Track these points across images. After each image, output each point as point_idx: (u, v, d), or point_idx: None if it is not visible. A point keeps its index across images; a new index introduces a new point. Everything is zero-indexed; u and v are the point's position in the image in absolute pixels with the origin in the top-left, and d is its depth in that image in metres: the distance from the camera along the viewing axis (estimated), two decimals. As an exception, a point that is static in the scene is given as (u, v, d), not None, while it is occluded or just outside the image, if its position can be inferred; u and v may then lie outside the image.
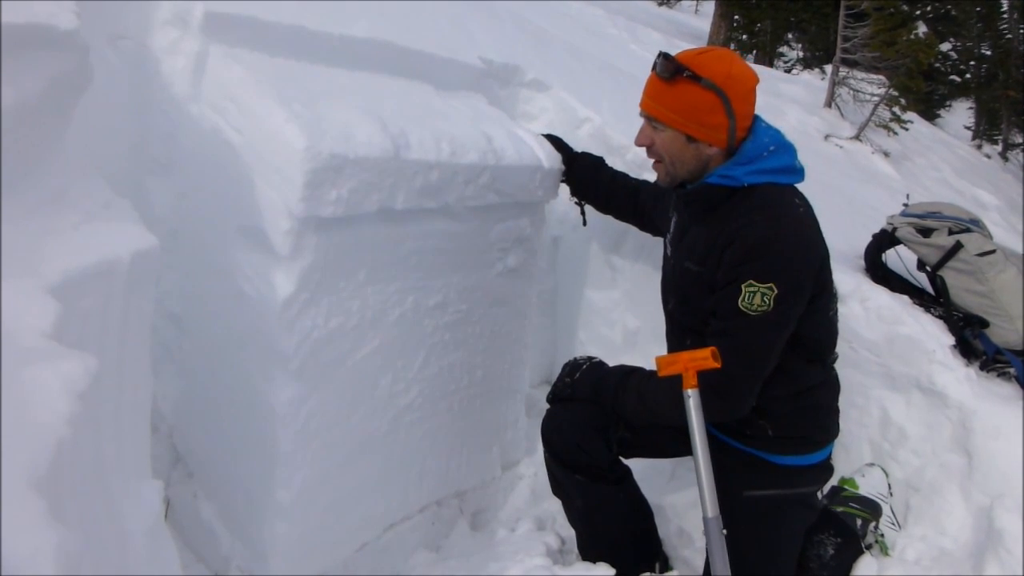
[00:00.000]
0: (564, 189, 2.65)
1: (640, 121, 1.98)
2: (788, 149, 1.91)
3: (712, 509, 1.73)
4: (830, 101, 7.73)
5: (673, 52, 1.88)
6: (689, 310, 1.99)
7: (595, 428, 2.09)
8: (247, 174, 1.87)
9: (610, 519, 2.19)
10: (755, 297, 1.75)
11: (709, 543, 1.73)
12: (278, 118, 1.78)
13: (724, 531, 1.73)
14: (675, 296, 2.06)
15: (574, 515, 2.25)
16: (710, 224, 1.89)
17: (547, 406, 2.25)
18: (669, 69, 1.82)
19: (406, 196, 2.00)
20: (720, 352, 1.71)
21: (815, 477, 2.08)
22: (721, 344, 1.75)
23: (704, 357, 1.69)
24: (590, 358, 2.20)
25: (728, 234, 1.83)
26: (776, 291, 1.74)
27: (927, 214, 2.88)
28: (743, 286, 1.76)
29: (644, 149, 1.99)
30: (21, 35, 1.15)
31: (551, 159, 2.52)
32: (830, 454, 2.12)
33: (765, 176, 1.86)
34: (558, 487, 2.23)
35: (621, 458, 2.20)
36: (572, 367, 2.18)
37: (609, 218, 2.69)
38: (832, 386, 2.10)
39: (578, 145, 3.17)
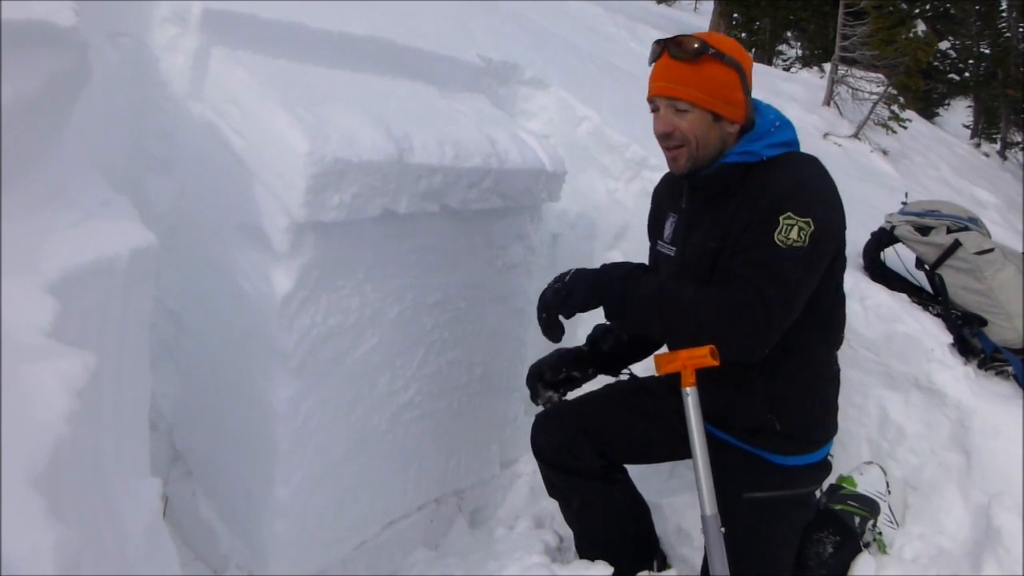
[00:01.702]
0: (567, 191, 2.63)
1: (644, 113, 1.96)
2: (789, 124, 1.95)
3: (710, 507, 1.73)
4: (829, 99, 7.73)
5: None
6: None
7: (584, 433, 2.09)
8: (248, 175, 1.87)
9: (607, 518, 2.19)
10: (792, 231, 1.71)
11: (708, 542, 1.73)
12: (281, 122, 1.78)
13: (723, 529, 1.73)
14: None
15: (571, 516, 2.25)
16: (730, 202, 1.87)
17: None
18: (694, 49, 1.80)
19: (409, 200, 2.00)
20: (756, 282, 1.68)
21: (814, 477, 2.08)
22: (757, 274, 1.70)
23: (703, 355, 1.68)
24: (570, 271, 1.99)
25: (756, 193, 1.80)
26: (812, 227, 1.71)
27: (926, 212, 2.88)
28: (781, 218, 1.72)
29: (659, 139, 1.92)
30: (20, 32, 1.15)
31: (554, 162, 2.52)
32: (828, 452, 2.12)
33: (778, 149, 1.87)
34: (554, 489, 2.23)
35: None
36: (557, 278, 1.97)
37: (609, 215, 2.68)
38: (837, 381, 2.09)
39: (577, 143, 3.17)
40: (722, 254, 1.87)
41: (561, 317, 1.93)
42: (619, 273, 1.89)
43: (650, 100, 1.91)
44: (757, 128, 1.88)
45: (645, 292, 1.80)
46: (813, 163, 1.88)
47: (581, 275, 1.92)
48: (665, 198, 2.15)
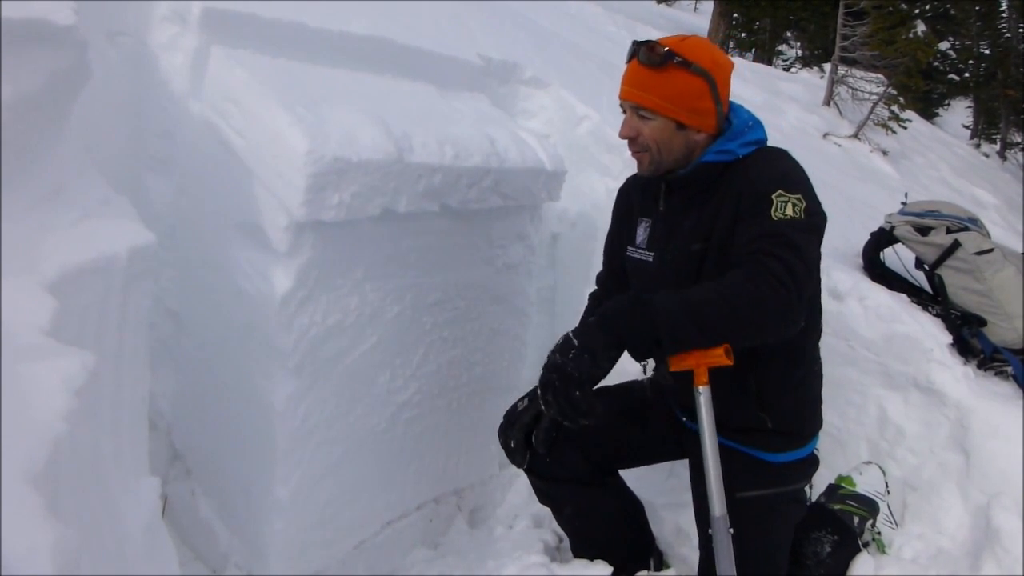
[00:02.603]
0: (567, 191, 2.62)
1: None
2: (760, 123, 1.95)
3: (720, 508, 1.72)
4: (829, 99, 7.74)
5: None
6: None
7: (569, 440, 2.07)
8: (247, 174, 1.87)
9: (599, 521, 2.18)
10: (787, 207, 1.70)
11: (716, 542, 1.72)
12: (281, 121, 1.78)
13: (731, 530, 1.72)
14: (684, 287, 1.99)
15: (564, 521, 2.24)
16: (710, 201, 1.87)
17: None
18: (659, 56, 1.79)
19: (409, 199, 2.00)
20: (768, 250, 1.63)
21: (804, 472, 2.08)
22: (767, 245, 1.64)
23: (717, 354, 1.63)
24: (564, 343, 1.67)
25: (736, 189, 1.80)
26: (804, 203, 1.71)
27: (925, 213, 2.89)
28: (773, 196, 1.71)
29: (627, 142, 1.92)
30: (20, 31, 1.15)
31: (554, 162, 2.52)
32: (816, 446, 2.12)
33: (751, 147, 1.87)
34: (544, 497, 2.23)
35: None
36: (561, 348, 1.64)
37: (609, 215, 2.67)
38: (820, 374, 2.10)
39: (577, 143, 3.17)
40: (708, 255, 1.85)
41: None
42: (624, 306, 1.63)
43: (620, 103, 1.92)
44: (734, 128, 1.88)
45: (669, 307, 1.59)
46: (786, 154, 1.89)
47: (586, 330, 1.63)
48: (636, 201, 2.11)
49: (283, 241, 1.83)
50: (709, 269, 1.85)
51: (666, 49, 1.80)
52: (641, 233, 2.06)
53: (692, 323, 1.58)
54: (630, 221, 2.11)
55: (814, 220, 1.74)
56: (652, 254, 2.01)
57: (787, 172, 1.80)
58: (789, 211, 1.70)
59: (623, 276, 2.15)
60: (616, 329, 1.59)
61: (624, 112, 1.91)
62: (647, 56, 1.81)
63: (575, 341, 1.61)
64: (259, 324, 1.91)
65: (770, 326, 1.63)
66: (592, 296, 2.29)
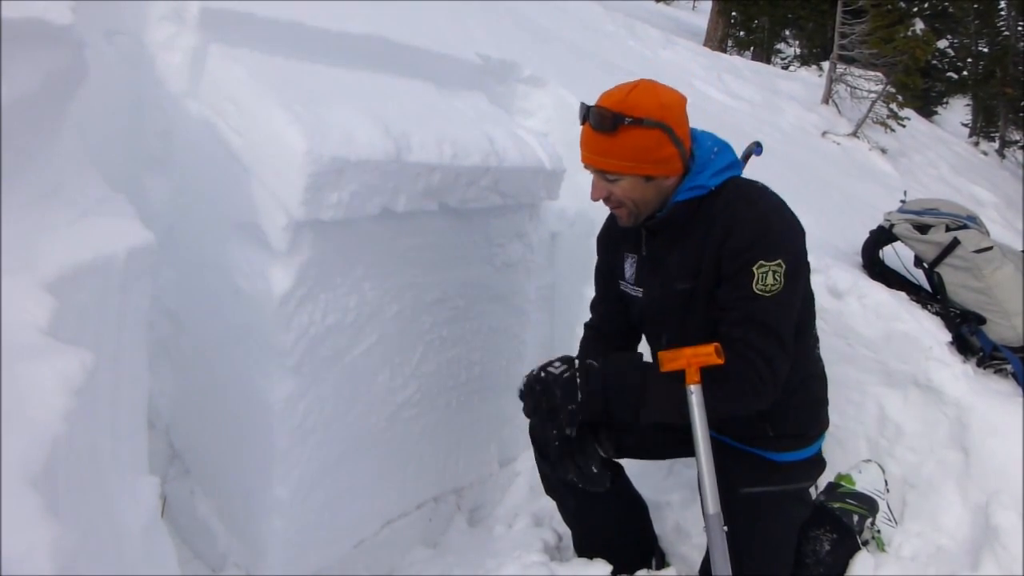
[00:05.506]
0: (566, 189, 2.62)
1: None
2: (727, 146, 1.94)
3: (713, 506, 1.72)
4: (827, 98, 7.74)
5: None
6: (692, 331, 1.93)
7: (585, 430, 2.08)
8: (246, 173, 1.87)
9: (604, 517, 2.19)
10: (768, 277, 1.74)
11: (710, 540, 1.73)
12: (279, 120, 1.77)
13: (725, 528, 1.73)
14: (669, 326, 1.99)
15: (568, 515, 2.25)
16: (690, 238, 1.88)
17: None
18: (609, 121, 1.77)
19: (408, 198, 2.00)
20: (750, 341, 1.72)
21: (808, 472, 2.09)
22: (749, 332, 1.73)
23: (707, 353, 1.68)
24: (563, 366, 1.89)
25: (719, 229, 1.81)
26: (784, 267, 1.75)
27: (924, 211, 2.89)
28: (755, 268, 1.75)
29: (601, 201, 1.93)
30: (17, 30, 1.14)
31: (553, 160, 2.52)
32: (821, 447, 2.13)
33: (723, 175, 1.87)
34: (550, 488, 2.23)
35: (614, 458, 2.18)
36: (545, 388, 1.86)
37: (607, 214, 2.67)
38: (822, 378, 2.10)
39: (575, 141, 3.16)
40: (696, 295, 1.87)
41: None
42: (616, 381, 1.83)
43: (583, 165, 1.90)
44: (698, 160, 1.87)
45: (659, 402, 1.80)
46: (761, 193, 1.87)
47: (589, 397, 1.83)
48: (620, 240, 2.10)
49: (282, 240, 1.83)
50: (697, 308, 1.88)
51: (613, 113, 1.76)
52: (628, 268, 2.07)
53: (679, 414, 1.77)
54: (617, 255, 2.11)
55: (793, 281, 1.79)
56: (641, 290, 2.02)
57: (766, 228, 1.79)
58: (770, 280, 1.76)
59: (617, 304, 2.15)
60: (610, 399, 1.82)
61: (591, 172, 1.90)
62: (598, 122, 1.78)
63: (555, 393, 1.82)
64: (258, 323, 1.91)
65: (747, 410, 1.85)
66: (587, 326, 2.26)
